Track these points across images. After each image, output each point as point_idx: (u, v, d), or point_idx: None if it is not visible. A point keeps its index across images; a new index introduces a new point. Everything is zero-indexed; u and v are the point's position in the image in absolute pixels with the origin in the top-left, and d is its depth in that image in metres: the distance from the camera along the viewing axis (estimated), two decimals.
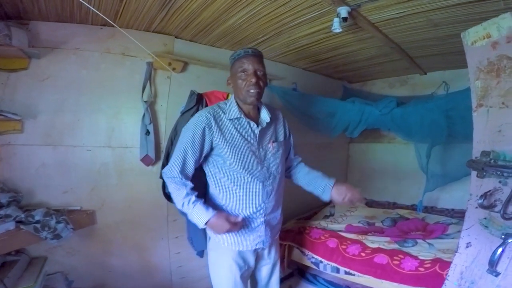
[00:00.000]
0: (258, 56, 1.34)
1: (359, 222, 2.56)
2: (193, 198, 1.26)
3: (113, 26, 1.68)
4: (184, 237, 1.83)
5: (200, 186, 1.39)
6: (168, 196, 1.50)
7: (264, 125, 1.38)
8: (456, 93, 2.36)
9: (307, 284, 2.40)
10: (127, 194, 1.99)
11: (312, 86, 3.06)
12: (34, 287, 1.46)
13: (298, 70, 2.96)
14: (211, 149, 1.32)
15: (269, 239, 1.44)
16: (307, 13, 1.73)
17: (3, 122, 1.63)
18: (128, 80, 1.97)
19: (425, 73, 3.11)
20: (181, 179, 1.28)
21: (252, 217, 1.36)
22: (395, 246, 2.03)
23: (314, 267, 2.19)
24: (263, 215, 1.38)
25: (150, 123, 1.98)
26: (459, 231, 1.31)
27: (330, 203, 3.04)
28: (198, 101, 1.64)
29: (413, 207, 2.96)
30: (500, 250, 1.07)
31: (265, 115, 1.39)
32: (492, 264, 1.10)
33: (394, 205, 3.20)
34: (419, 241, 2.07)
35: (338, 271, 2.05)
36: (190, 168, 1.31)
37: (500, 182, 1.14)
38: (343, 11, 1.62)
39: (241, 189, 1.33)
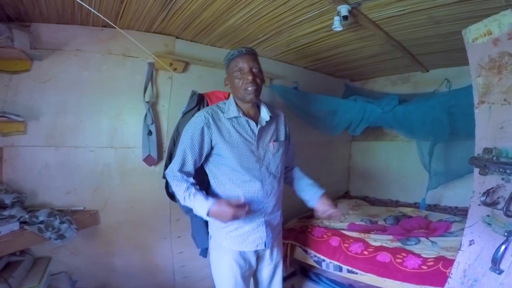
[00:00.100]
0: (252, 54, 1.34)
1: (361, 221, 2.56)
2: (193, 190, 1.26)
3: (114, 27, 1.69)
4: (187, 236, 1.84)
5: (202, 187, 1.39)
6: (171, 196, 1.51)
7: (264, 123, 1.38)
8: (458, 90, 2.34)
9: (309, 282, 2.41)
10: (129, 194, 2.00)
11: (313, 84, 3.06)
12: (38, 287, 1.47)
13: (299, 69, 2.95)
14: (211, 148, 1.33)
15: (271, 240, 1.42)
16: (307, 12, 1.73)
17: (6, 124, 1.64)
18: (129, 81, 1.98)
19: (427, 71, 3.09)
20: (182, 176, 1.29)
21: (252, 217, 1.36)
22: (398, 244, 2.02)
23: (317, 265, 2.20)
24: (263, 215, 1.38)
25: (152, 124, 1.98)
26: (463, 229, 1.30)
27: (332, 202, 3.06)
28: (199, 101, 1.64)
29: (416, 205, 2.96)
30: (503, 247, 1.07)
31: (265, 114, 1.39)
32: (495, 262, 1.09)
33: (397, 203, 3.19)
34: (422, 239, 2.06)
35: (340, 269, 2.05)
36: (190, 168, 1.31)
37: (502, 179, 1.14)
38: (344, 9, 1.62)
39: (240, 188, 1.33)
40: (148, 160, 1.98)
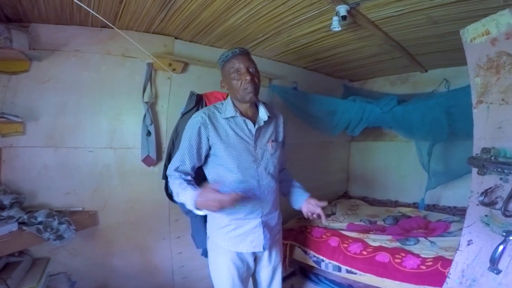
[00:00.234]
0: (246, 54, 1.34)
1: (360, 221, 2.56)
2: (185, 184, 1.25)
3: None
4: (186, 237, 1.84)
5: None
6: (170, 196, 1.50)
7: (262, 123, 1.38)
8: (457, 90, 2.34)
9: (309, 283, 2.40)
10: (129, 194, 2.00)
11: (313, 85, 3.06)
12: (37, 287, 1.47)
13: (298, 69, 2.96)
14: (209, 148, 1.33)
15: (269, 241, 1.41)
16: (306, 12, 1.73)
17: (5, 125, 1.64)
18: (128, 81, 1.98)
19: (426, 71, 3.10)
20: (179, 175, 1.29)
21: (249, 218, 1.35)
22: (397, 244, 2.02)
23: (316, 266, 2.19)
24: (260, 215, 1.37)
25: (151, 124, 1.99)
26: (461, 229, 1.30)
27: (331, 202, 3.06)
28: (198, 102, 1.64)
29: (415, 205, 2.95)
30: (501, 247, 1.07)
31: (263, 114, 1.38)
32: (494, 262, 1.09)
33: (396, 203, 3.19)
34: (421, 239, 2.06)
35: (340, 269, 2.05)
36: (188, 169, 1.31)
37: (501, 179, 1.14)
38: (342, 9, 1.62)
39: (236, 188, 1.31)
40: (147, 161, 1.98)
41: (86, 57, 1.86)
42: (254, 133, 1.35)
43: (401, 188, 3.29)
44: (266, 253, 1.46)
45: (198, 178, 1.38)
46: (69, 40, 1.81)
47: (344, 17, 1.63)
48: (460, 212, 2.56)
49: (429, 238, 2.06)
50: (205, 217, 1.50)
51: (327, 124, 2.89)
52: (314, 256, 2.20)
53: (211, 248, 1.45)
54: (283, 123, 1.53)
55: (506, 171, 1.10)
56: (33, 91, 1.73)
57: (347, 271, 2.01)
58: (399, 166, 3.35)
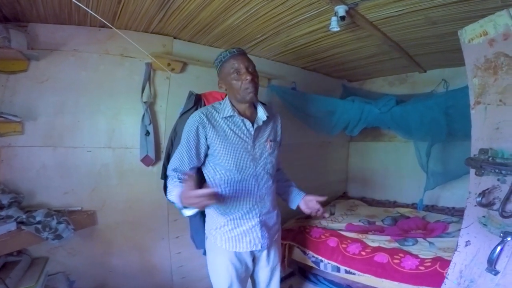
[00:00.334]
0: (244, 54, 1.34)
1: (359, 221, 2.56)
2: (177, 182, 1.25)
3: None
4: (185, 237, 1.84)
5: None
6: None
7: (261, 123, 1.38)
8: (455, 91, 2.34)
9: (307, 283, 2.41)
10: (127, 194, 2.00)
11: (311, 85, 3.06)
12: (35, 287, 1.47)
13: (297, 69, 2.96)
14: (208, 147, 1.33)
15: (267, 241, 1.41)
16: (304, 12, 1.73)
17: (4, 124, 1.64)
18: (127, 81, 1.98)
19: (425, 71, 3.10)
20: (178, 175, 1.30)
21: (246, 217, 1.35)
22: (395, 245, 2.03)
23: (315, 266, 2.20)
24: (258, 215, 1.37)
25: (150, 124, 1.98)
26: (460, 230, 1.30)
27: (330, 202, 3.07)
28: (197, 102, 1.64)
29: (413, 206, 2.96)
30: (499, 248, 1.07)
31: (261, 114, 1.38)
32: (491, 263, 1.09)
33: (395, 204, 3.20)
34: (420, 239, 2.06)
35: (338, 270, 2.05)
36: (186, 169, 1.31)
37: (498, 180, 1.14)
38: (341, 10, 1.62)
39: (233, 188, 1.33)
40: (146, 161, 1.98)
41: (84, 57, 1.86)
42: (252, 133, 1.35)
43: (399, 189, 3.30)
44: (264, 253, 1.46)
45: (199, 179, 1.38)
46: (68, 40, 1.81)
47: (342, 18, 1.63)
48: (458, 213, 2.56)
49: (427, 239, 2.06)
50: (204, 217, 1.50)
51: (326, 124, 2.89)
52: (313, 256, 2.20)
53: (210, 248, 1.44)
54: (281, 124, 1.53)
55: (503, 172, 1.10)
56: (31, 91, 1.73)
57: (346, 272, 2.01)
58: (398, 166, 3.35)
